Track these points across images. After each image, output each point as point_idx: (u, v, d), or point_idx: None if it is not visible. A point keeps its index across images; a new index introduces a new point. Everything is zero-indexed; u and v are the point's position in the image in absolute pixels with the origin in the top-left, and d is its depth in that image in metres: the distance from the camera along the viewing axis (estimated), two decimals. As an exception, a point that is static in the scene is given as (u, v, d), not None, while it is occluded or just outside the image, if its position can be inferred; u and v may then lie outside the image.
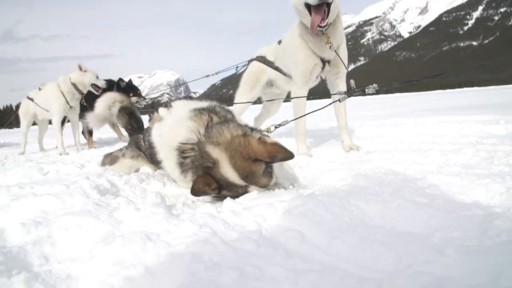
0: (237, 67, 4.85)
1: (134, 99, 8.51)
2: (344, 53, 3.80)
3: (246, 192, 2.01)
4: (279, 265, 1.27)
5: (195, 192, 1.96)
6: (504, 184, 2.11)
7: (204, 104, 2.41)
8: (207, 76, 5.08)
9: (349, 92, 3.10)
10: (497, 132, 4.34)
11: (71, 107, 6.85)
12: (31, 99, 7.47)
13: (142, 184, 2.63)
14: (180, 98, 2.69)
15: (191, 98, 2.69)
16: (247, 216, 1.70)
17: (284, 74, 4.13)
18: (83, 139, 8.06)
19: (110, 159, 3.25)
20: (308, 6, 3.45)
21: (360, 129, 5.40)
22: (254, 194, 1.99)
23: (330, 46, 3.53)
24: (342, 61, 3.71)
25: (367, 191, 2.12)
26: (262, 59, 4.41)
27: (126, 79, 9.21)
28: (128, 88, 8.81)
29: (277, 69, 4.25)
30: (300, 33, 3.74)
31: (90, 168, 2.98)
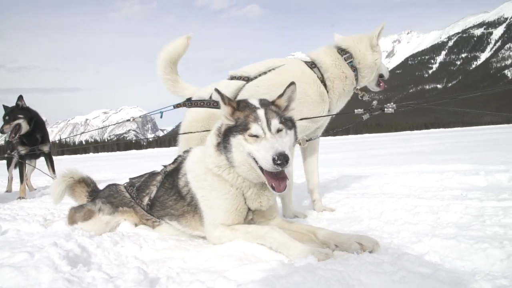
0: (161, 113, 4.22)
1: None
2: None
3: None
4: None
5: None
6: (503, 249, 2.05)
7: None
8: (127, 120, 4.75)
9: (369, 110, 3.03)
10: (479, 184, 4.37)
11: None
12: None
13: (116, 247, 2.35)
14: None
15: None
16: (242, 298, 1.51)
17: None
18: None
19: (83, 214, 2.83)
20: None
21: (341, 179, 5.32)
22: (249, 267, 1.80)
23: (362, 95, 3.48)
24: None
25: (366, 260, 1.98)
26: (212, 102, 3.42)
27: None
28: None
29: None
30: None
31: (56, 227, 2.67)
